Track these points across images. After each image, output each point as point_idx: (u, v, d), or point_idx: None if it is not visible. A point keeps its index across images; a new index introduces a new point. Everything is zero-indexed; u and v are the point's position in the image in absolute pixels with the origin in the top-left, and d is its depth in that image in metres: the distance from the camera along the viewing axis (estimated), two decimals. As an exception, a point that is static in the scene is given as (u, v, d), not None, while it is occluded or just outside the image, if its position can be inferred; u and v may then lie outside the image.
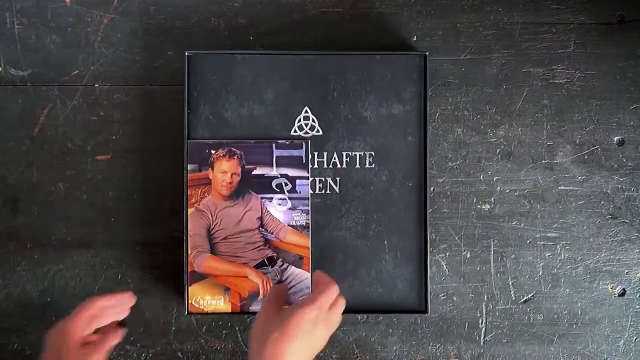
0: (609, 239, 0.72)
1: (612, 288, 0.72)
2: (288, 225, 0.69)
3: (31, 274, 0.71)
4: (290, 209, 0.69)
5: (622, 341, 0.72)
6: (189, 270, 0.68)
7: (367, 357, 0.72)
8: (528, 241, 0.72)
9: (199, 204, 0.68)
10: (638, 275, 0.72)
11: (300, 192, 0.69)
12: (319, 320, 0.55)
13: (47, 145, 0.71)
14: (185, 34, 0.72)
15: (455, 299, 0.72)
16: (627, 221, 0.73)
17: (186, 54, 0.68)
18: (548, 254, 0.72)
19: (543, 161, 0.72)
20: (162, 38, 0.72)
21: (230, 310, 0.68)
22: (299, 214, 0.69)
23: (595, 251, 0.72)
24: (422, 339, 0.72)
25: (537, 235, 0.72)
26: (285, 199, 0.69)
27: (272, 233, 0.69)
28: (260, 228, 0.69)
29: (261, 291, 0.68)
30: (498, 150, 0.73)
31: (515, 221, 0.72)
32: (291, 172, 0.69)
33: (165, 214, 0.71)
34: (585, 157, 0.72)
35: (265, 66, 0.69)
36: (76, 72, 0.72)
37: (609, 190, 0.73)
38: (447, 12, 0.72)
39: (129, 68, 0.72)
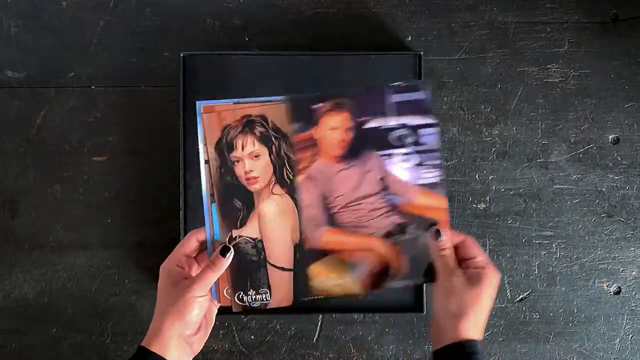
0: (605, 237, 0.73)
1: (607, 286, 0.72)
2: (416, 184, 0.59)
3: (29, 275, 0.72)
4: (417, 165, 0.58)
5: (618, 339, 0.72)
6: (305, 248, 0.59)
7: (364, 356, 0.72)
8: (523, 240, 0.72)
9: (309, 170, 0.59)
10: (633, 273, 0.73)
11: (426, 143, 0.58)
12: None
13: (44, 147, 0.72)
14: (180, 35, 0.72)
15: (451, 297, 0.72)
16: (623, 219, 0.73)
17: (182, 55, 0.69)
18: (544, 253, 0.72)
19: (538, 160, 0.73)
20: (157, 39, 0.72)
21: (360, 290, 0.59)
22: (428, 170, 0.58)
23: (591, 249, 0.72)
24: (418, 338, 0.72)
25: (533, 234, 0.72)
26: (409, 153, 0.58)
27: (398, 196, 0.59)
28: (384, 191, 0.59)
29: (394, 265, 0.59)
30: (493, 149, 0.73)
31: (510, 220, 0.72)
32: (412, 121, 0.58)
33: (162, 214, 0.71)
34: (580, 156, 0.73)
35: (260, 67, 0.70)
36: (72, 73, 0.72)
37: (604, 189, 0.73)
38: (441, 11, 0.73)
39: (125, 69, 0.72)
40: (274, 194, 0.59)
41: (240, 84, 0.69)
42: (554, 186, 0.72)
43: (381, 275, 0.59)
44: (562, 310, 0.72)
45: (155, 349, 0.54)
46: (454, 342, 0.54)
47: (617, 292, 0.72)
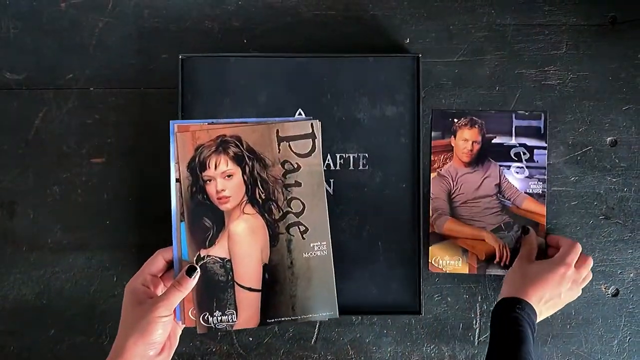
0: (602, 240, 0.73)
1: (605, 288, 0.72)
2: (525, 192, 0.71)
3: (27, 276, 0.72)
4: (527, 177, 0.71)
5: (616, 341, 0.72)
6: (429, 231, 0.71)
7: (362, 358, 0.72)
8: (521, 242, 0.73)
9: (440, 169, 0.71)
10: (631, 275, 0.73)
11: (537, 161, 0.71)
12: (567, 277, 0.64)
13: (43, 148, 0.72)
14: (179, 37, 0.72)
15: (449, 299, 0.72)
16: (620, 221, 0.73)
17: (180, 57, 0.69)
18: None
19: (536, 162, 0.73)
20: (156, 41, 0.72)
21: (467, 272, 0.71)
22: (536, 182, 0.71)
23: (589, 251, 0.72)
24: (416, 340, 0.72)
25: (531, 236, 0.72)
26: (522, 167, 0.71)
27: (509, 200, 0.71)
28: (498, 194, 0.71)
29: (497, 255, 0.71)
30: (491, 152, 0.73)
31: (508, 222, 0.73)
32: (529, 142, 0.71)
33: (159, 216, 0.71)
34: (578, 158, 0.73)
35: (259, 69, 0.70)
36: (71, 75, 0.72)
37: (601, 191, 0.73)
38: (439, 14, 0.73)
39: (123, 71, 0.72)
40: (245, 213, 0.61)
41: (238, 86, 0.70)
42: (552, 188, 0.72)
43: (486, 262, 0.71)
44: (559, 312, 0.72)
45: None
46: (507, 296, 0.63)
47: (615, 294, 0.72)
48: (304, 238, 0.61)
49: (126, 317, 0.57)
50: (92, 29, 0.72)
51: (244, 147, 0.61)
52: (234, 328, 0.61)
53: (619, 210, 0.73)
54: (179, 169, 0.61)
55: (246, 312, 0.61)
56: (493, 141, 0.72)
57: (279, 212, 0.61)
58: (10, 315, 0.72)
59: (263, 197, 0.61)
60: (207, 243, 0.61)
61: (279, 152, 0.61)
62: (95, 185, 0.72)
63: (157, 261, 0.60)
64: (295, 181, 0.61)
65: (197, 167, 0.61)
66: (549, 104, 0.73)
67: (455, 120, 0.72)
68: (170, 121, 0.62)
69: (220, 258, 0.61)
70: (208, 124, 0.61)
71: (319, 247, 0.62)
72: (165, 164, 0.70)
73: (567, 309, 0.72)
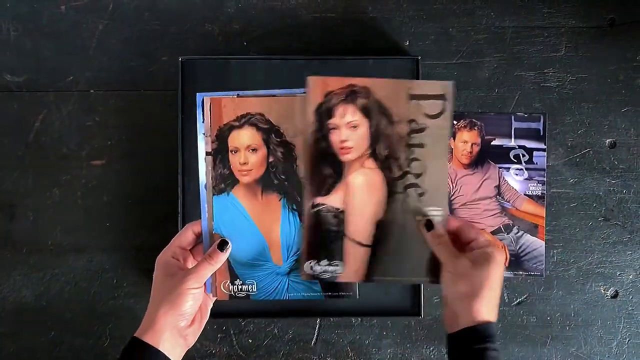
0: (602, 241, 0.73)
1: (604, 290, 0.73)
2: (524, 194, 0.71)
3: (27, 278, 0.72)
4: (526, 179, 0.71)
5: (615, 342, 0.72)
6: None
7: (362, 359, 0.72)
8: (521, 244, 0.73)
9: None
10: (630, 277, 0.73)
11: (537, 163, 0.72)
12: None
13: (43, 150, 0.72)
14: (179, 39, 0.72)
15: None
16: (619, 223, 0.73)
17: (180, 59, 0.69)
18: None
19: (535, 164, 0.73)
20: (156, 44, 0.72)
21: None
22: (535, 184, 0.72)
23: (588, 253, 0.73)
24: (416, 342, 0.72)
25: (530, 238, 0.73)
26: (522, 169, 0.71)
27: (508, 201, 0.71)
28: (497, 196, 0.71)
29: None
30: (490, 154, 0.73)
31: (508, 224, 0.73)
32: (528, 144, 0.72)
33: (160, 218, 0.71)
34: (577, 160, 0.73)
35: (258, 71, 0.70)
36: (71, 77, 0.72)
37: (601, 193, 0.73)
38: (439, 16, 0.73)
39: (123, 74, 0.72)
40: (365, 167, 0.59)
41: (238, 88, 0.69)
42: (551, 190, 0.73)
43: None
44: (559, 313, 0.72)
45: (148, 339, 0.54)
46: (470, 326, 0.54)
47: (614, 296, 0.73)
48: (420, 201, 0.59)
49: (157, 288, 0.57)
50: (92, 31, 0.72)
51: (373, 99, 0.58)
52: (338, 280, 0.60)
53: (618, 212, 0.73)
54: (211, 142, 0.60)
55: (353, 265, 0.60)
56: (492, 143, 0.72)
57: (399, 170, 0.59)
58: (10, 317, 0.72)
59: (385, 154, 0.59)
60: (323, 191, 0.59)
61: (407, 109, 0.58)
62: (95, 187, 0.72)
63: (187, 234, 0.61)
64: (420, 142, 0.59)
65: (323, 113, 0.58)
66: (548, 106, 0.73)
67: (455, 122, 0.72)
68: (198, 94, 0.60)
69: (334, 208, 0.59)
70: (237, 96, 0.61)
71: (434, 213, 0.59)
72: (165, 167, 0.71)
73: (567, 310, 0.72)
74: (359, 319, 0.72)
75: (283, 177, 0.60)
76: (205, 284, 0.58)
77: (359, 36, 0.73)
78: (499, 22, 0.73)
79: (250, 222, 0.61)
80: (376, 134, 0.58)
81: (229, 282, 0.61)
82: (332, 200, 0.59)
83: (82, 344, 0.71)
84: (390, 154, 0.59)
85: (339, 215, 0.59)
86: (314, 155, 0.59)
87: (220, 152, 0.60)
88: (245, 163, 0.60)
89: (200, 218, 0.61)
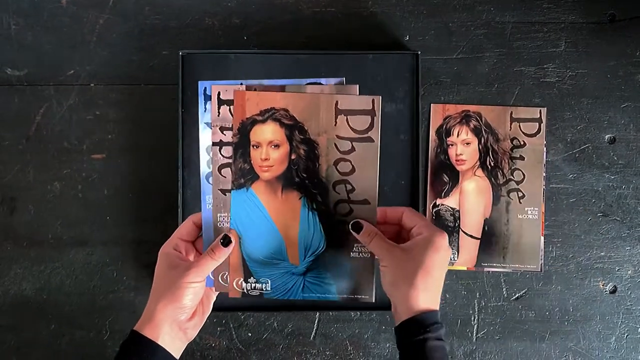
0: (600, 237, 0.73)
1: (603, 285, 0.73)
2: None
3: (27, 272, 0.72)
4: None
5: (614, 338, 0.73)
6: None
7: (361, 353, 0.72)
8: (520, 239, 0.73)
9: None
10: (629, 272, 0.73)
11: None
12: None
13: (43, 144, 0.72)
14: (179, 33, 0.72)
15: (447, 296, 0.72)
16: (618, 219, 0.73)
17: (180, 53, 0.69)
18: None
19: (535, 159, 0.73)
20: (156, 38, 0.72)
21: (465, 268, 0.72)
22: None
23: (587, 248, 0.73)
24: (415, 336, 0.72)
25: (529, 233, 0.73)
26: None
27: None
28: None
29: None
30: (490, 149, 0.73)
31: (507, 219, 0.73)
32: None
33: (160, 212, 0.72)
34: (577, 155, 0.73)
35: (258, 65, 0.70)
36: (72, 71, 0.72)
37: (600, 188, 0.73)
38: (439, 11, 0.73)
39: (124, 68, 0.72)
40: (476, 175, 0.71)
41: (238, 83, 0.70)
42: (550, 185, 0.73)
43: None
44: (557, 309, 0.73)
45: (147, 333, 0.54)
46: (408, 317, 0.52)
47: (613, 291, 0.73)
48: (520, 202, 0.72)
49: (158, 280, 0.57)
50: (92, 25, 0.72)
51: (483, 122, 0.71)
52: (453, 267, 0.72)
53: (617, 207, 0.73)
54: (234, 133, 0.60)
55: (466, 254, 0.72)
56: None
57: (503, 178, 0.71)
58: (10, 311, 0.72)
59: (492, 165, 0.71)
60: (442, 194, 0.72)
61: (510, 129, 0.72)
62: (95, 181, 0.72)
63: (188, 226, 0.61)
64: (520, 155, 0.71)
65: (443, 133, 0.71)
66: (547, 102, 0.73)
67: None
68: (200, 82, 0.63)
69: (451, 207, 0.71)
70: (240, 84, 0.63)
71: (531, 212, 0.72)
72: (165, 161, 0.71)
73: (565, 305, 0.72)
74: (358, 313, 0.72)
75: (305, 175, 0.59)
76: (205, 278, 0.58)
77: (358, 31, 0.73)
78: (499, 17, 0.73)
79: (269, 220, 0.60)
80: (485, 149, 0.71)
81: (242, 279, 0.61)
82: (450, 201, 0.72)
83: (82, 337, 0.72)
84: (496, 164, 0.71)
85: (455, 213, 0.72)
86: (436, 165, 0.72)
87: (242, 146, 0.59)
88: (266, 159, 0.59)
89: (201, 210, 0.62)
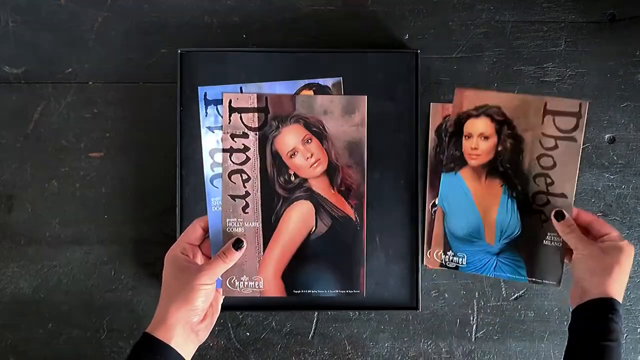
0: (600, 236, 0.73)
1: (602, 285, 0.72)
2: None
3: (25, 270, 0.72)
4: None
5: (613, 338, 0.72)
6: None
7: (359, 353, 0.72)
8: (519, 238, 0.73)
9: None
10: (629, 272, 0.73)
11: None
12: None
13: (41, 142, 0.72)
14: (178, 32, 0.72)
15: (446, 295, 0.72)
16: (618, 218, 0.73)
17: (179, 51, 0.69)
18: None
19: (534, 159, 0.73)
20: (155, 36, 0.72)
21: None
22: None
23: (586, 248, 0.72)
24: (413, 336, 0.72)
25: (528, 233, 0.73)
26: None
27: None
28: None
29: None
30: (489, 148, 0.73)
31: (506, 218, 0.73)
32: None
33: (158, 211, 0.71)
34: (576, 155, 0.73)
35: (258, 64, 0.70)
36: (70, 69, 0.72)
37: (599, 188, 0.73)
38: (438, 10, 0.73)
39: (122, 66, 0.72)
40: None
41: (237, 81, 0.69)
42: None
43: None
44: (557, 309, 0.72)
45: (160, 335, 0.54)
46: (600, 297, 0.57)
47: (612, 291, 0.73)
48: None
49: (168, 284, 0.57)
50: (91, 23, 0.72)
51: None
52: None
53: (617, 207, 0.73)
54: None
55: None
56: None
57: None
58: (7, 309, 0.72)
59: (507, 166, 0.66)
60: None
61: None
62: (93, 179, 0.72)
63: (195, 230, 0.61)
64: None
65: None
66: (547, 101, 0.73)
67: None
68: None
69: None
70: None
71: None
72: (163, 159, 0.71)
73: (565, 305, 0.72)
74: (357, 313, 0.72)
75: (508, 165, 0.65)
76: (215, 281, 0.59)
77: (358, 29, 0.72)
78: (499, 16, 0.73)
79: (471, 201, 0.67)
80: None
81: (442, 252, 0.67)
82: None
83: (80, 336, 0.71)
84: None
85: None
86: (435, 165, 0.69)
87: (455, 135, 0.67)
88: (475, 148, 0.66)
89: (202, 211, 0.61)
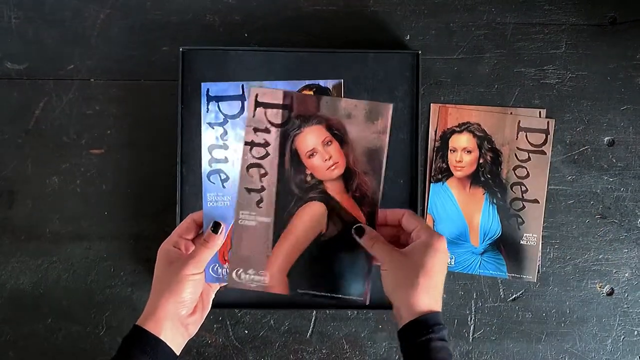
0: (598, 239, 0.73)
1: (600, 287, 0.73)
2: None
3: (25, 266, 0.72)
4: None
5: (610, 340, 0.73)
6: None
7: (357, 352, 0.72)
8: (518, 240, 0.73)
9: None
10: (626, 274, 0.73)
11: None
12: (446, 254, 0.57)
13: (42, 138, 0.72)
14: (180, 29, 0.72)
15: (444, 296, 0.72)
16: (616, 221, 0.73)
17: (181, 49, 0.69)
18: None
19: (533, 160, 0.73)
20: (157, 34, 0.72)
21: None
22: None
23: (584, 250, 0.73)
24: (411, 335, 0.72)
25: (527, 234, 0.73)
26: None
27: None
28: None
29: None
30: (489, 149, 0.73)
31: (505, 220, 0.73)
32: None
33: (158, 207, 0.72)
34: (576, 157, 0.73)
35: (259, 63, 0.70)
36: (72, 66, 0.72)
37: (598, 190, 0.73)
38: (440, 11, 0.73)
39: (124, 63, 0.72)
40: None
41: (238, 79, 0.70)
42: (549, 187, 0.73)
43: None
44: (554, 310, 0.73)
45: (149, 328, 0.54)
46: (411, 320, 0.52)
47: (610, 293, 0.73)
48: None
49: (158, 277, 0.58)
50: (94, 20, 0.72)
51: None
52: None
53: (615, 209, 0.73)
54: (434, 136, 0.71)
55: None
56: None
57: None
58: (7, 304, 0.72)
59: (488, 176, 0.72)
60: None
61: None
62: (94, 176, 0.72)
63: (188, 224, 0.61)
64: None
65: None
66: (547, 103, 0.73)
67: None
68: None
69: None
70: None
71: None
72: (164, 156, 0.71)
73: (562, 307, 0.72)
74: (355, 312, 0.72)
75: (489, 176, 0.72)
76: (205, 272, 0.59)
77: (359, 29, 0.73)
78: (500, 18, 0.73)
79: (457, 208, 0.72)
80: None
81: None
82: None
83: (79, 331, 0.72)
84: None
85: None
86: (435, 169, 0.72)
87: (442, 150, 0.72)
88: (460, 161, 0.72)
89: (201, 208, 0.62)
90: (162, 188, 0.71)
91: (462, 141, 0.72)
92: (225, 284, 0.64)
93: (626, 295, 0.73)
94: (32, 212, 0.72)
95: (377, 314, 0.72)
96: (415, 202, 0.70)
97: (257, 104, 0.61)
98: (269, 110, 0.60)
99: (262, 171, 0.60)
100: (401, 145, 0.70)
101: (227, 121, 0.66)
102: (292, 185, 0.60)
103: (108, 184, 0.72)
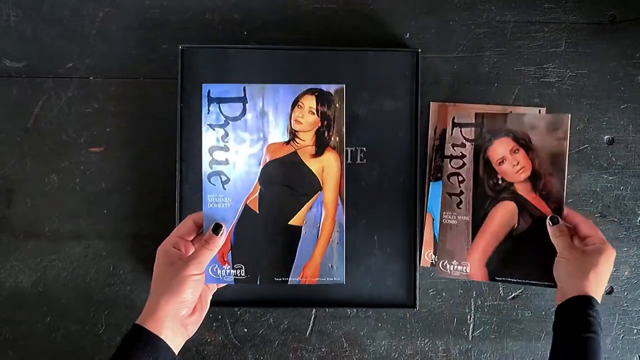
0: (598, 237, 0.73)
1: (599, 286, 0.73)
2: None
3: (24, 264, 0.72)
4: None
5: (610, 339, 0.73)
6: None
7: (356, 351, 0.72)
8: (517, 238, 0.73)
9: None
10: (626, 273, 0.73)
11: None
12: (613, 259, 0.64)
13: (41, 136, 0.72)
14: (179, 28, 0.72)
15: (444, 294, 0.72)
16: (616, 220, 0.73)
17: (180, 47, 0.69)
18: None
19: (533, 159, 0.73)
20: (156, 32, 0.72)
21: None
22: None
23: (584, 249, 0.73)
24: (410, 334, 0.72)
25: (526, 233, 0.73)
26: None
27: None
28: None
29: None
30: (489, 148, 0.73)
31: (504, 218, 0.73)
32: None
33: (157, 206, 0.72)
34: (575, 156, 0.73)
35: (258, 61, 0.70)
36: (71, 64, 0.72)
37: (598, 189, 0.73)
38: (440, 9, 0.73)
39: (123, 61, 0.72)
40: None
41: (237, 78, 0.70)
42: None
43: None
44: (553, 308, 0.72)
45: (150, 327, 0.54)
46: (578, 295, 0.60)
47: (609, 292, 0.73)
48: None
49: (158, 276, 0.58)
50: (92, 18, 0.72)
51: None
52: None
53: (615, 208, 0.73)
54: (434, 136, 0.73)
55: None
56: None
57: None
58: (6, 303, 0.72)
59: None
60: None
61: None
62: (93, 174, 0.72)
63: (188, 224, 0.62)
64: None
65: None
66: (547, 101, 0.73)
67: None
68: (204, 85, 0.63)
69: None
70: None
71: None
72: (163, 155, 0.71)
73: (561, 305, 0.72)
74: (354, 310, 0.72)
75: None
76: (205, 273, 0.59)
77: (359, 28, 0.73)
78: (500, 16, 0.73)
79: None
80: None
81: (432, 252, 0.72)
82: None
83: (78, 330, 0.72)
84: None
85: None
86: (434, 164, 0.73)
87: (441, 148, 0.72)
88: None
89: (201, 207, 0.61)
90: (161, 186, 0.71)
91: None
92: (224, 284, 0.64)
93: (625, 293, 0.73)
94: (31, 210, 0.72)
95: (377, 312, 0.72)
96: (415, 200, 0.70)
97: (454, 125, 0.70)
98: (464, 129, 0.70)
99: (460, 178, 0.70)
100: (401, 144, 0.70)
101: (228, 123, 0.66)
102: (486, 188, 0.69)
103: (107, 183, 0.72)
